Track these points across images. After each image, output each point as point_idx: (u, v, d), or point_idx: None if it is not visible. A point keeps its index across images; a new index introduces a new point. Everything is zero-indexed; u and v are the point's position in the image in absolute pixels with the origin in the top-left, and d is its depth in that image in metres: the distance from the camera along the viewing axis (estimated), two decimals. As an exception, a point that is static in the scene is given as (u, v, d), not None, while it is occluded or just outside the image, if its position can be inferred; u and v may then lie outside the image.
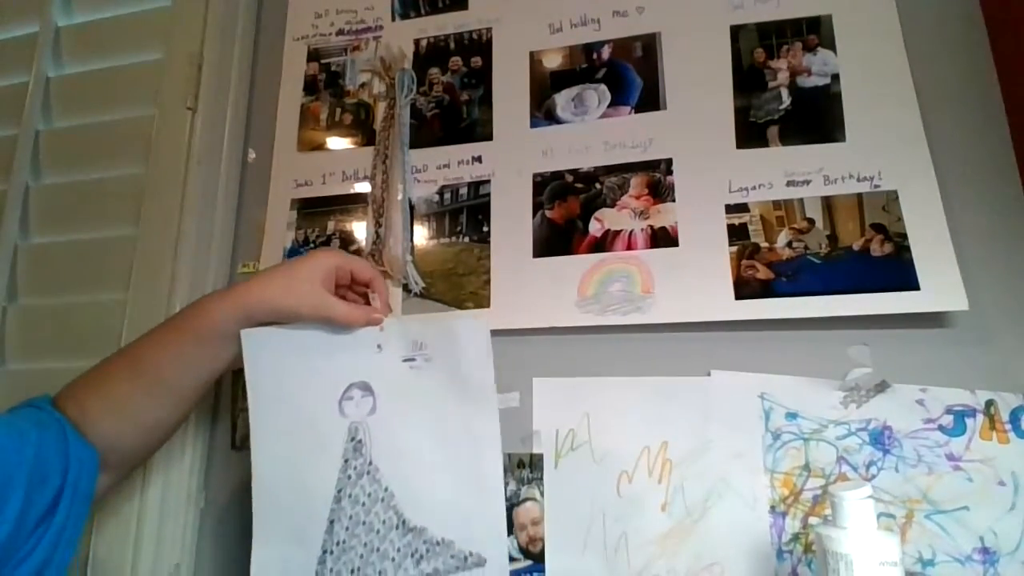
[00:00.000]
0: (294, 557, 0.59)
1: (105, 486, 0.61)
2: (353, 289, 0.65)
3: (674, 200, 0.68)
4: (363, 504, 0.60)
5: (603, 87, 0.74)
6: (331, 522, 0.60)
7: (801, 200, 0.65)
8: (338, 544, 0.59)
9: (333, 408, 0.62)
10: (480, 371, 0.61)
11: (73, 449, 0.55)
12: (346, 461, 0.61)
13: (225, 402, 0.78)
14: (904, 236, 0.61)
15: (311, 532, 0.60)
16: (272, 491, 0.60)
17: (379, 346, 0.63)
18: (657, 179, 0.70)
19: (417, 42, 0.82)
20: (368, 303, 0.65)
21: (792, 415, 0.61)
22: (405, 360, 0.62)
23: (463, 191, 0.75)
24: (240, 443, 0.76)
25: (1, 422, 0.54)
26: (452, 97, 0.79)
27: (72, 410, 0.58)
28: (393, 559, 0.59)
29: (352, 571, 0.59)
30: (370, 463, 0.61)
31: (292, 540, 0.60)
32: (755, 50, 0.70)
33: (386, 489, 0.60)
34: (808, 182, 0.65)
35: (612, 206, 0.70)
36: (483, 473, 0.60)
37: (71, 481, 0.54)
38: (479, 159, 0.76)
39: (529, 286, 0.69)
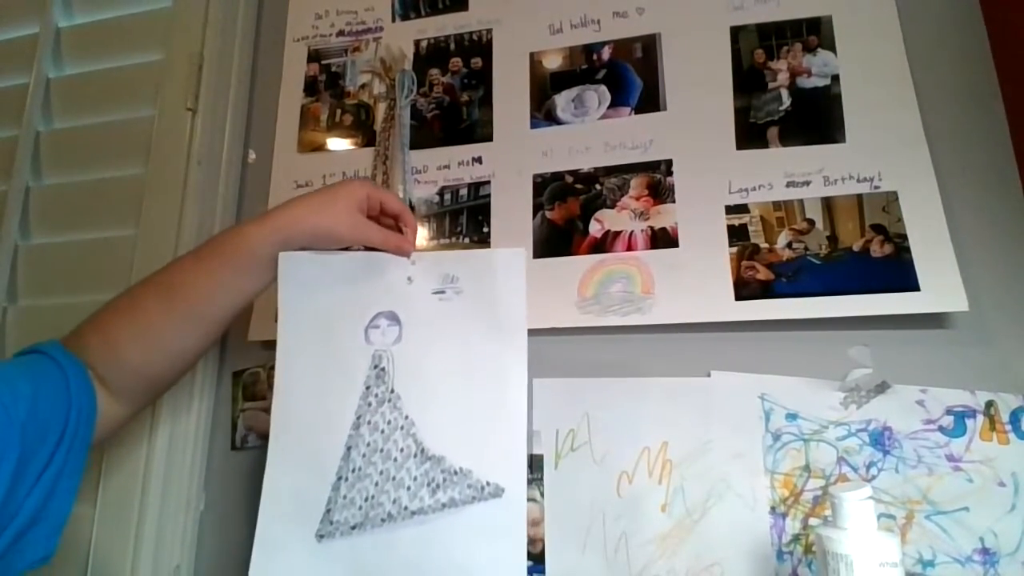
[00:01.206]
0: (308, 482, 0.59)
1: (121, 417, 0.60)
2: (381, 220, 0.66)
3: (674, 201, 0.69)
4: (382, 431, 0.60)
5: (603, 88, 0.74)
6: (348, 448, 0.60)
7: (801, 201, 0.65)
8: (354, 471, 0.59)
9: (359, 335, 0.62)
10: (512, 300, 0.62)
11: (74, 395, 0.54)
12: (368, 388, 0.61)
13: (225, 403, 0.78)
14: (904, 237, 0.61)
15: (327, 458, 0.59)
16: (291, 415, 0.61)
17: (409, 278, 0.64)
18: (657, 180, 0.70)
19: (417, 43, 0.82)
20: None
21: (792, 416, 0.61)
22: (435, 292, 0.64)
23: (463, 192, 0.75)
24: (240, 443, 0.76)
25: None
26: (452, 98, 0.79)
27: (95, 340, 0.58)
28: (409, 488, 0.59)
29: (366, 498, 0.59)
30: (392, 391, 0.61)
31: (307, 465, 0.60)
32: (755, 51, 0.70)
33: (406, 417, 0.61)
34: (808, 183, 0.65)
35: (612, 207, 0.70)
36: (506, 404, 0.61)
37: (70, 430, 0.53)
38: (479, 160, 0.76)
39: (529, 287, 0.69)
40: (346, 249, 0.63)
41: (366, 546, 0.58)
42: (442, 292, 0.63)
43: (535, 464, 0.66)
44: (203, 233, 0.79)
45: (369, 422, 0.60)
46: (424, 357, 0.62)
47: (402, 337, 0.63)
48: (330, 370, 0.62)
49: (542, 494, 0.65)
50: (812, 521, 0.59)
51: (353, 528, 0.58)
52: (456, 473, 0.59)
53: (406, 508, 0.58)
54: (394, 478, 0.59)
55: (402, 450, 0.60)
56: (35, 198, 0.88)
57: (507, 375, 0.61)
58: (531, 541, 0.64)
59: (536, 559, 0.64)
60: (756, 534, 0.59)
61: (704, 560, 0.60)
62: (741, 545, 0.59)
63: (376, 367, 0.62)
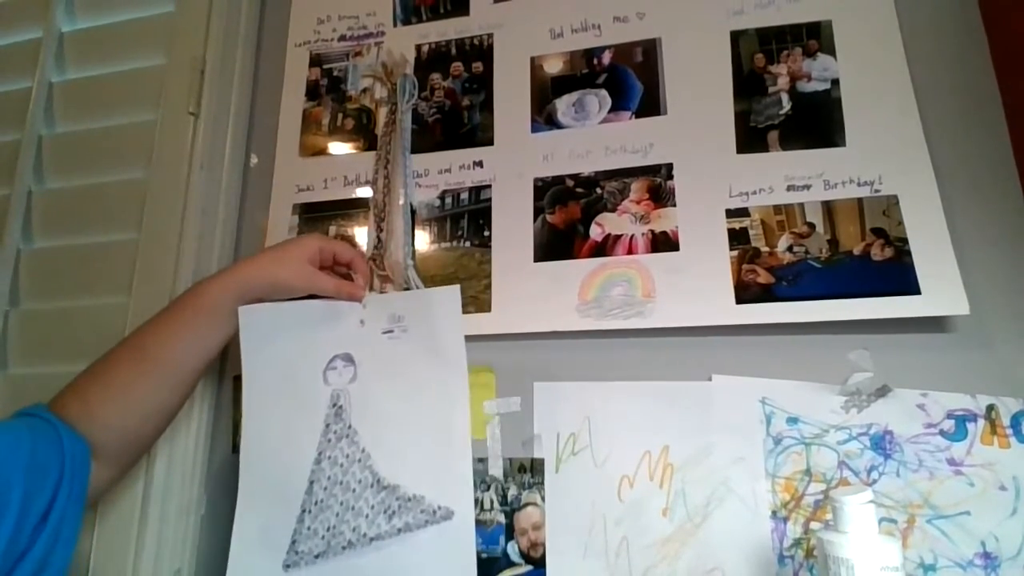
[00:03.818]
0: (275, 516, 0.63)
1: (108, 479, 0.62)
2: (335, 270, 0.70)
3: (675, 205, 0.69)
4: (341, 465, 0.64)
5: (604, 92, 0.75)
6: (311, 483, 0.64)
7: (802, 205, 0.65)
8: (316, 504, 0.63)
9: (318, 377, 0.67)
10: (451, 334, 0.67)
11: (67, 445, 0.56)
12: (327, 425, 0.65)
13: (226, 407, 0.78)
14: (905, 240, 0.61)
15: (292, 493, 0.64)
16: (258, 455, 0.65)
17: (362, 321, 0.69)
18: (658, 184, 0.70)
19: (419, 48, 0.83)
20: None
21: (793, 420, 0.61)
22: (384, 332, 0.68)
23: (464, 196, 0.76)
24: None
25: None
26: (453, 102, 0.79)
27: (74, 404, 0.60)
28: (367, 516, 0.63)
29: (328, 528, 0.62)
30: (349, 427, 0.65)
31: (274, 501, 0.64)
32: (755, 55, 0.71)
33: (363, 450, 0.64)
34: (808, 187, 0.65)
35: (613, 210, 0.70)
36: (452, 431, 0.65)
37: (67, 477, 0.55)
38: (480, 164, 0.76)
39: (530, 290, 0.69)
40: (304, 298, 0.66)
41: (329, 573, 0.61)
42: (391, 331, 0.68)
43: (536, 468, 0.66)
44: (205, 237, 0.80)
45: (329, 457, 0.64)
46: (377, 393, 0.66)
47: (357, 376, 0.67)
48: (293, 411, 0.66)
49: (543, 498, 0.65)
50: (813, 525, 0.58)
51: (317, 557, 0.62)
52: (410, 500, 0.63)
53: (365, 535, 0.62)
54: (353, 508, 0.63)
55: (360, 481, 0.64)
56: (37, 202, 0.88)
57: (451, 404, 0.66)
58: (532, 545, 0.64)
59: (537, 563, 0.64)
60: (757, 538, 0.59)
61: (705, 564, 0.60)
62: (742, 549, 0.59)
63: (335, 405, 0.66)
